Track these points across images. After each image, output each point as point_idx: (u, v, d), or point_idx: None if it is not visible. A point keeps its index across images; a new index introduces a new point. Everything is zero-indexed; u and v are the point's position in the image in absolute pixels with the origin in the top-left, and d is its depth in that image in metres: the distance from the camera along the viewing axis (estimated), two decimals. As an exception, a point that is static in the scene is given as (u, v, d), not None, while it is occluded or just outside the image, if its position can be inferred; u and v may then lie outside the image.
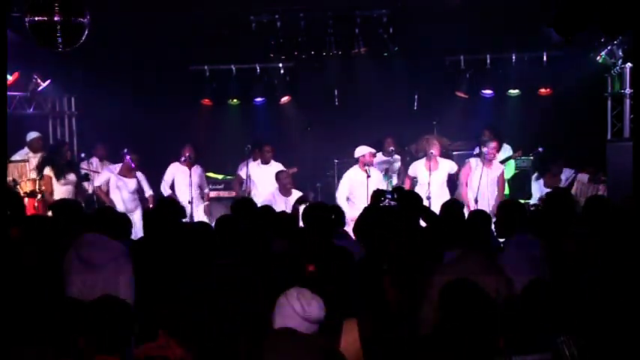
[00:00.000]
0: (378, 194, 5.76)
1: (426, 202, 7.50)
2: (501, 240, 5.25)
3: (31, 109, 10.31)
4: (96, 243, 4.73)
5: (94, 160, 10.35)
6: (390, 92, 10.78)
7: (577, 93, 9.83)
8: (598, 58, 9.04)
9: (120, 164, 9.06)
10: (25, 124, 9.84)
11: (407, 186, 8.91)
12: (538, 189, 9.34)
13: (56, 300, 4.01)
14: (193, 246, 4.54)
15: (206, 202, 9.51)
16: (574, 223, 5.17)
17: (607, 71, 9.20)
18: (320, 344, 3.18)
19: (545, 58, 10.17)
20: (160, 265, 4.60)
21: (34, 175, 8.86)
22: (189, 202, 8.79)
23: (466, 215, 5.94)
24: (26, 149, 9.33)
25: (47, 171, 8.69)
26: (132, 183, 8.94)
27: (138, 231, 6.79)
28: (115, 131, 10.27)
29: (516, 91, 10.54)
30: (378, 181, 8.75)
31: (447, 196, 8.50)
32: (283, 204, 8.15)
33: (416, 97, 10.71)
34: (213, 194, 9.87)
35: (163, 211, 5.36)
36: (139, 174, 9.04)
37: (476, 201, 8.51)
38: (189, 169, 9.07)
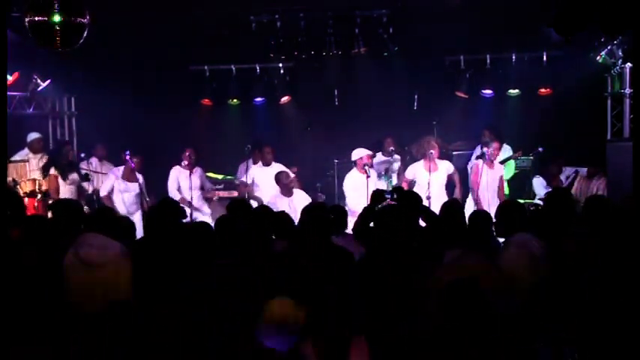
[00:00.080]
0: (377, 194, 5.75)
1: (425, 202, 7.51)
2: (501, 240, 5.25)
3: (31, 109, 10.31)
4: (95, 243, 4.73)
5: (94, 160, 10.35)
6: (389, 92, 10.78)
7: (577, 93, 9.82)
8: (598, 58, 9.04)
9: (122, 167, 9.03)
10: (25, 124, 9.83)
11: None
12: (543, 188, 9.34)
13: (56, 300, 4.02)
14: (193, 246, 4.55)
15: (215, 198, 9.51)
16: (574, 223, 5.17)
17: (607, 71, 9.20)
18: None
19: (545, 58, 10.15)
20: (160, 265, 4.60)
21: (34, 175, 8.86)
22: (189, 204, 8.81)
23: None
24: (26, 150, 9.32)
25: (53, 171, 8.72)
26: (134, 186, 8.90)
27: (138, 232, 6.78)
28: (115, 131, 10.27)
29: (516, 91, 10.53)
30: (376, 181, 8.77)
31: (446, 197, 8.52)
32: (287, 204, 8.13)
33: (416, 97, 10.70)
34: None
35: (164, 211, 5.36)
36: (139, 177, 9.01)
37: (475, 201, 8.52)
38: (190, 171, 9.07)
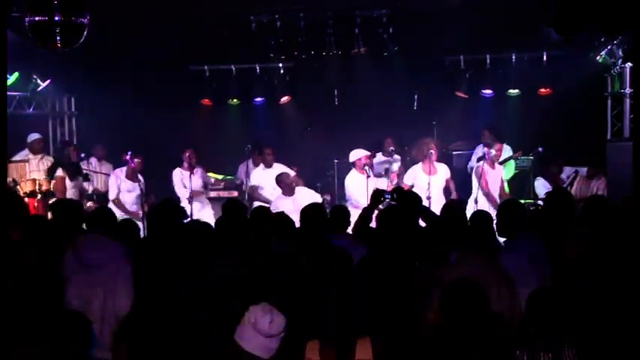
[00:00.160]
0: (377, 194, 5.75)
1: (425, 203, 7.51)
2: (502, 240, 5.25)
3: (31, 109, 10.31)
4: (95, 243, 4.73)
5: (93, 160, 10.36)
6: (389, 92, 10.78)
7: (577, 93, 9.82)
8: (598, 57, 9.05)
9: (124, 168, 9.02)
10: (24, 124, 9.83)
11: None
12: (545, 189, 9.33)
13: (56, 300, 4.01)
14: (193, 246, 4.54)
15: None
16: (574, 223, 5.17)
17: (607, 71, 9.21)
18: None
19: (545, 58, 10.16)
20: (160, 265, 4.59)
21: (34, 175, 8.85)
22: (189, 203, 8.79)
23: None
24: (26, 150, 9.32)
25: (60, 172, 8.73)
26: (136, 187, 8.90)
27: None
28: (115, 131, 10.27)
29: (516, 91, 10.54)
30: (375, 181, 8.77)
31: (444, 201, 8.50)
32: (291, 204, 8.12)
33: (416, 97, 10.71)
34: (213, 194, 9.85)
35: (164, 211, 5.36)
36: (140, 177, 8.99)
37: (476, 201, 8.50)
38: (191, 172, 9.06)
